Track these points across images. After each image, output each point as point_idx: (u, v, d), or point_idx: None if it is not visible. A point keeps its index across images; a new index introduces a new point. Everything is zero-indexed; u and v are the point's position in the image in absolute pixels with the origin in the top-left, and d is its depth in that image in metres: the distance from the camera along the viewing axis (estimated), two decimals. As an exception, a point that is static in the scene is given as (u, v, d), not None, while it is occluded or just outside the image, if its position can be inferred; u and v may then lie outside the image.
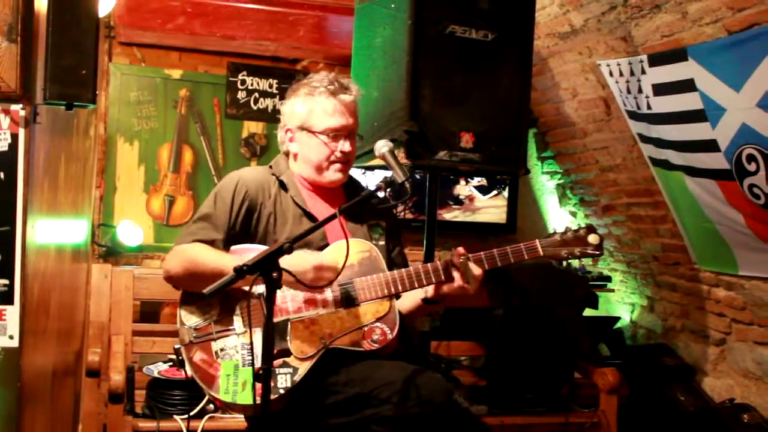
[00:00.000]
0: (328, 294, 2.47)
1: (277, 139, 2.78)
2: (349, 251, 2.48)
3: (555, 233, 2.54)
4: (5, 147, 2.42)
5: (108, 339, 3.78)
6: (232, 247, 2.55)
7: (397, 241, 2.81)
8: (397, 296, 2.53)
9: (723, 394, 4.13)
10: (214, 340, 2.46)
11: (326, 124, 2.63)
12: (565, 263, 2.59)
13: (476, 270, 2.47)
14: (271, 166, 2.72)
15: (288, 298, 2.47)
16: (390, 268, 2.56)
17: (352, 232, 2.63)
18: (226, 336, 2.45)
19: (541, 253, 2.52)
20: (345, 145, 2.63)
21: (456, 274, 2.47)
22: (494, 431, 3.18)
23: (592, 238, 2.51)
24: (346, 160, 2.67)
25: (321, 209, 2.65)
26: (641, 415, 4.16)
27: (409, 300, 2.63)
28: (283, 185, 2.65)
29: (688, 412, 4.04)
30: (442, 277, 2.51)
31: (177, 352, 2.89)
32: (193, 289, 2.48)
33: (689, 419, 4.02)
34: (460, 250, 2.48)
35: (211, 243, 2.52)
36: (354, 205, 2.53)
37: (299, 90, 2.70)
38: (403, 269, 2.52)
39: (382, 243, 2.70)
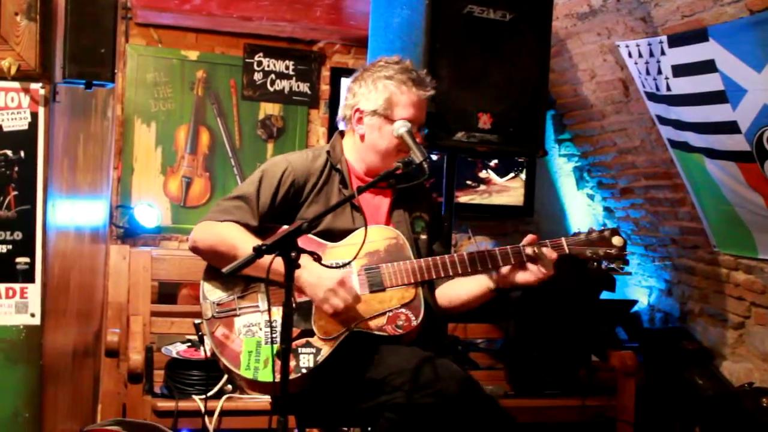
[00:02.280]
0: (354, 277, 2.47)
1: (338, 115, 2.72)
2: (376, 237, 2.51)
3: (580, 232, 2.55)
4: (25, 125, 2.42)
5: (126, 319, 3.82)
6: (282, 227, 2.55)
7: (437, 235, 2.78)
8: (423, 284, 2.52)
9: (742, 378, 4.11)
10: (238, 316, 2.46)
11: (404, 114, 2.57)
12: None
13: (551, 254, 2.46)
14: (328, 152, 2.65)
15: None
16: None
17: (396, 222, 2.63)
18: (250, 313, 2.46)
19: (567, 251, 2.52)
20: (416, 138, 2.57)
21: (530, 264, 2.47)
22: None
23: (616, 240, 2.50)
24: None
25: (369, 200, 2.62)
26: (659, 399, 4.15)
27: (475, 287, 2.61)
28: (339, 173, 2.61)
29: (707, 396, 4.03)
30: (469, 269, 2.51)
31: (197, 327, 2.90)
32: (215, 264, 2.48)
33: (708, 403, 4.00)
34: (532, 237, 2.48)
35: (245, 226, 2.51)
36: (403, 195, 2.63)
37: (378, 73, 2.62)
38: (429, 258, 2.52)
39: (424, 237, 2.68)
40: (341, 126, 2.73)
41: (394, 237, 2.54)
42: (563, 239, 2.53)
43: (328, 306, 2.39)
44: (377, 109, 2.59)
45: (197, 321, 3.06)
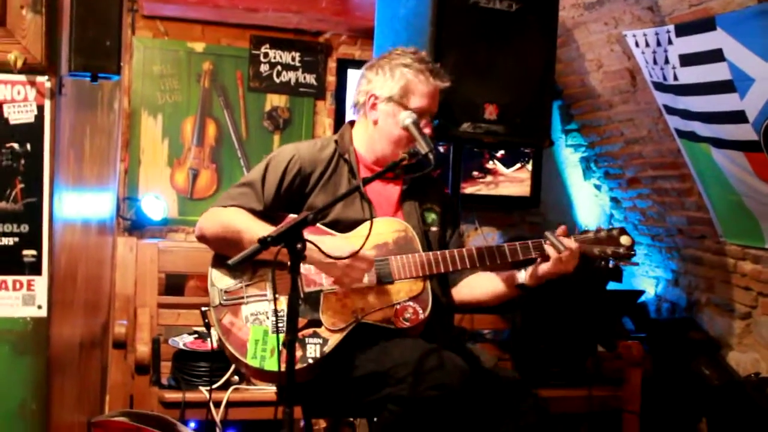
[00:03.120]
0: None
1: (351, 100, 2.71)
2: (385, 229, 2.51)
3: (588, 230, 2.54)
4: (31, 119, 2.42)
5: (134, 311, 3.83)
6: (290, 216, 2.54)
7: (453, 228, 2.76)
8: (431, 277, 2.51)
9: (748, 368, 4.10)
10: (245, 304, 2.46)
11: (419, 104, 2.57)
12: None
13: (572, 244, 2.44)
14: (336, 142, 2.65)
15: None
16: None
17: (406, 212, 2.62)
18: (258, 301, 2.46)
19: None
20: (427, 129, 2.57)
21: (552, 252, 2.44)
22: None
23: (624, 240, 2.50)
24: None
25: (378, 190, 2.61)
26: (665, 389, 4.15)
27: (500, 285, 2.60)
28: (347, 163, 2.61)
29: (713, 386, 4.03)
30: (477, 264, 2.51)
31: (204, 315, 2.89)
32: (223, 252, 2.48)
33: (714, 393, 4.00)
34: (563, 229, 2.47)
35: (250, 211, 2.51)
36: (413, 187, 2.61)
37: (395, 61, 2.61)
38: (438, 251, 2.51)
39: (435, 229, 2.66)
40: (353, 113, 2.73)
41: (403, 229, 2.54)
42: (572, 237, 2.51)
43: (349, 280, 2.38)
44: (393, 96, 2.57)
45: (204, 308, 3.07)
